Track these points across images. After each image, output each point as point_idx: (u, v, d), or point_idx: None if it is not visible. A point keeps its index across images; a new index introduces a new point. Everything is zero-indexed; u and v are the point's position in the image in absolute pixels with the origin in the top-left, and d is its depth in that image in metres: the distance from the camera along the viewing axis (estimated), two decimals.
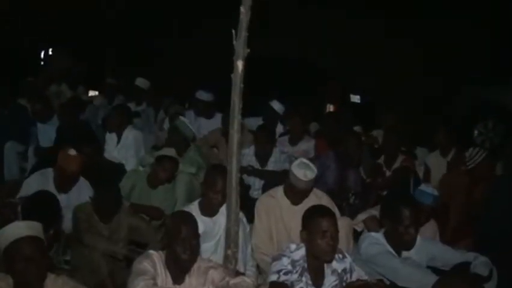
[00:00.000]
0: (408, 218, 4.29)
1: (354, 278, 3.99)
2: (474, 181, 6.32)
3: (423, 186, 5.65)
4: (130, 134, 7.33)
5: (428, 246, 4.54)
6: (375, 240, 4.45)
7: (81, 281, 3.59)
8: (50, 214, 4.45)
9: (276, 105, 8.18)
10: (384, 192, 6.64)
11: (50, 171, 5.56)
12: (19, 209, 4.75)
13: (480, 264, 4.32)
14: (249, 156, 6.67)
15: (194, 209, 4.70)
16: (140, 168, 6.38)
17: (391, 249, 4.39)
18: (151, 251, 3.83)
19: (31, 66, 13.30)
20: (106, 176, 6.17)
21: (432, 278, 4.05)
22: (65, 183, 5.47)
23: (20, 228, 3.24)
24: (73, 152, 5.47)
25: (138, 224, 5.24)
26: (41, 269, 3.21)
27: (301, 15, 13.18)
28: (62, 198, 5.19)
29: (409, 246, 4.39)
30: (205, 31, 13.16)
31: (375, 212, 5.27)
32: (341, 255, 4.01)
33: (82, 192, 5.49)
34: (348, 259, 4.06)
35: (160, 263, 3.72)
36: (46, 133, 7.70)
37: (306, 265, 3.94)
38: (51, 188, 5.36)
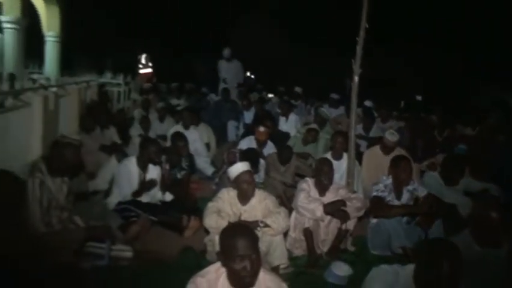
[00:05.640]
0: (459, 174, 4.46)
1: (420, 192, 4.01)
2: None
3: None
4: (291, 117, 7.59)
5: (464, 182, 4.55)
6: (432, 176, 4.56)
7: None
8: (254, 160, 4.81)
9: (368, 103, 8.33)
10: (437, 150, 6.49)
11: (252, 137, 5.89)
12: (237, 155, 5.16)
13: (494, 190, 4.45)
14: (359, 129, 6.66)
15: (328, 155, 4.84)
16: (298, 135, 6.56)
17: (442, 182, 4.46)
18: (307, 178, 4.04)
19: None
20: (280, 140, 6.45)
21: (464, 198, 4.24)
22: (261, 144, 5.78)
23: (242, 166, 3.52)
24: (261, 128, 5.71)
25: (300, 165, 5.40)
26: (253, 186, 3.51)
27: None
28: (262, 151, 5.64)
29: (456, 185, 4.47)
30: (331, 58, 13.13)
31: (433, 160, 5.24)
32: (412, 181, 4.04)
33: (269, 149, 5.73)
34: (415, 183, 4.10)
35: (312, 185, 3.92)
36: (248, 116, 8.14)
37: (392, 188, 4.01)
38: (253, 145, 5.70)
